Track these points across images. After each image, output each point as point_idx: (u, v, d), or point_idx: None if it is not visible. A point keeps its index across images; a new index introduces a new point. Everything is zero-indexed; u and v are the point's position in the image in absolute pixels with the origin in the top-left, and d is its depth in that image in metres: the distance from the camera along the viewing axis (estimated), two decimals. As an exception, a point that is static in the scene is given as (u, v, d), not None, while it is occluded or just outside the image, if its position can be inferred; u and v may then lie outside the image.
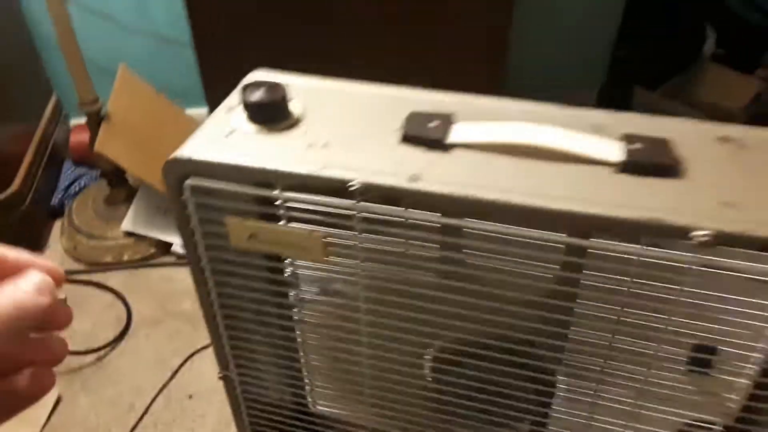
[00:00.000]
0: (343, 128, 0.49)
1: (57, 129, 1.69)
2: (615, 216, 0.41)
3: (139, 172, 1.39)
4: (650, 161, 0.44)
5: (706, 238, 0.40)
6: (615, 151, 0.45)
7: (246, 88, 0.50)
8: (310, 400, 0.66)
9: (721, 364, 0.50)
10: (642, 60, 1.61)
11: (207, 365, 1.19)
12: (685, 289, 0.43)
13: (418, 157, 0.46)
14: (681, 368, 0.50)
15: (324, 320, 0.58)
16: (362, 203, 0.45)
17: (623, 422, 0.53)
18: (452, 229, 0.46)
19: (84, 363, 1.21)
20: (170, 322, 1.29)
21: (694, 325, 0.47)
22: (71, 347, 0.81)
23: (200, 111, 1.67)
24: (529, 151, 0.46)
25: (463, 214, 0.46)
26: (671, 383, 0.51)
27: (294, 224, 0.48)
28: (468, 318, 0.51)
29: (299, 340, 0.60)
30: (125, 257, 1.43)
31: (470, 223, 0.44)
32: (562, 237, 0.43)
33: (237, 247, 0.50)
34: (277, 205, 0.47)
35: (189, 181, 0.47)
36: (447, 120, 0.48)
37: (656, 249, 0.42)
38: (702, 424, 0.53)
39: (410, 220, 0.45)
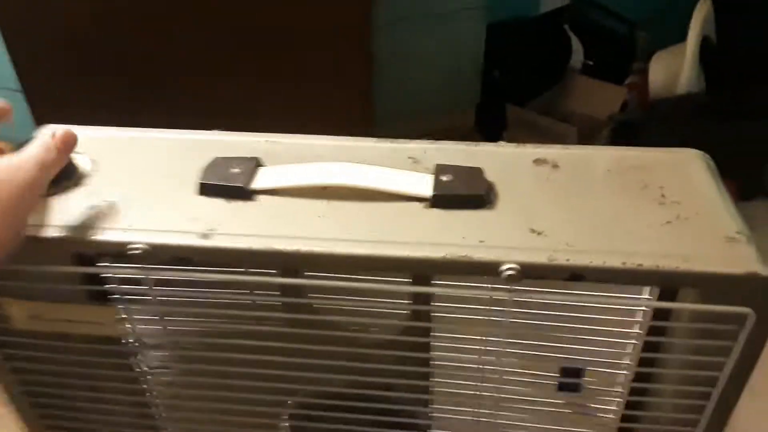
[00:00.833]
0: (136, 182, 0.45)
1: None
2: (418, 257, 0.38)
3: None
4: (459, 193, 0.42)
5: (512, 272, 0.38)
6: (426, 185, 0.43)
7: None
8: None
9: (589, 384, 0.48)
10: (512, 78, 1.65)
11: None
12: (536, 314, 0.41)
13: (217, 209, 0.42)
14: (552, 390, 0.49)
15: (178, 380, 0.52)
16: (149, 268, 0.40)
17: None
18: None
19: None
20: None
21: (558, 347, 0.45)
22: None
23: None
24: (340, 192, 0.43)
25: (268, 266, 0.43)
26: (546, 406, 0.49)
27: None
28: (319, 368, 0.47)
29: (156, 406, 0.54)
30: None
31: (268, 280, 0.40)
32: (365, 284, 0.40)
33: (24, 330, 0.44)
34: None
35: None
36: (252, 164, 0.45)
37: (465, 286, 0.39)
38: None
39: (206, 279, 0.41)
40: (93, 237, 0.40)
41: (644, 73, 1.58)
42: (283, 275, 0.45)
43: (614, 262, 0.38)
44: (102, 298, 0.45)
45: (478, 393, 0.49)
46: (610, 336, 0.46)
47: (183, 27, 1.20)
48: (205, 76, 1.25)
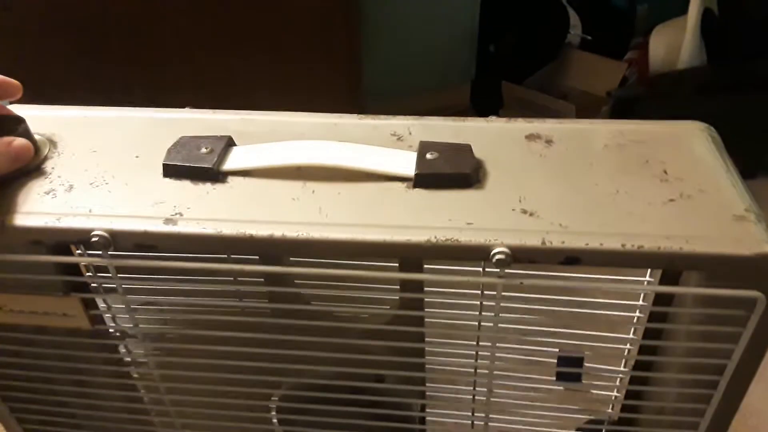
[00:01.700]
0: (99, 164, 0.41)
1: None
2: (400, 241, 0.35)
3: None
4: (445, 172, 0.39)
5: (502, 256, 0.35)
6: (409, 164, 0.40)
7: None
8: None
9: (589, 372, 0.46)
10: (508, 53, 1.60)
11: None
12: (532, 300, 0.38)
13: (183, 192, 0.39)
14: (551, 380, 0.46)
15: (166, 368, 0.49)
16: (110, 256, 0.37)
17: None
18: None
19: None
20: None
21: (553, 335, 0.43)
22: None
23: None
24: (316, 172, 0.40)
25: (242, 252, 0.40)
26: (543, 396, 0.47)
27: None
28: (309, 358, 0.44)
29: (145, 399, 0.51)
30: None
31: (242, 267, 0.37)
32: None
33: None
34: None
35: None
36: (223, 144, 0.41)
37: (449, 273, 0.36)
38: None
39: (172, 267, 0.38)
40: (49, 224, 0.37)
41: (644, 47, 1.54)
42: (263, 262, 0.42)
43: (613, 244, 0.35)
44: (68, 288, 0.42)
45: (472, 387, 0.47)
46: (609, 323, 0.43)
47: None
48: (181, 50, 1.20)
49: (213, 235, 0.36)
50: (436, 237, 0.36)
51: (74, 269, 0.42)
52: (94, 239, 0.36)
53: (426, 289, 0.43)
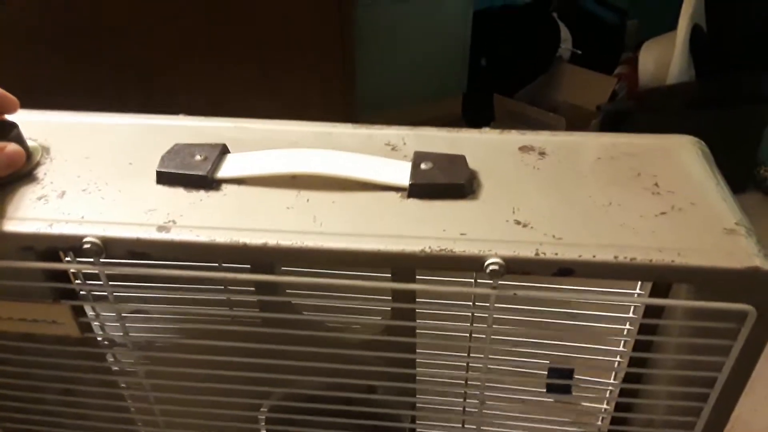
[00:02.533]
0: (91, 171, 0.41)
1: None
2: (393, 250, 0.35)
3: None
4: (439, 182, 0.39)
5: (496, 267, 0.35)
6: (403, 174, 0.40)
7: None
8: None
9: (578, 384, 0.46)
10: (499, 66, 1.62)
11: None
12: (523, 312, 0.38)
13: (177, 200, 0.39)
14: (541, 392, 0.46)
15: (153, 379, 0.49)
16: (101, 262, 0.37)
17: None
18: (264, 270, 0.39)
19: None
20: None
21: (544, 347, 0.43)
22: None
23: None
24: (311, 181, 0.40)
25: (235, 261, 0.40)
26: (534, 408, 0.47)
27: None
28: (300, 368, 0.44)
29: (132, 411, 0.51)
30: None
31: (233, 276, 0.37)
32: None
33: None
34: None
35: None
36: (217, 152, 0.41)
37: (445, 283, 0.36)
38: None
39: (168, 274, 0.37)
40: (41, 230, 0.37)
41: (634, 62, 1.55)
42: (254, 271, 0.42)
43: (605, 256, 0.35)
44: (57, 295, 0.42)
45: (462, 398, 0.47)
46: (599, 335, 0.44)
47: (153, 3, 1.15)
48: (174, 58, 1.20)
49: (206, 243, 0.36)
50: (430, 247, 0.36)
51: (64, 276, 0.42)
52: (86, 246, 0.36)
53: (418, 300, 0.43)
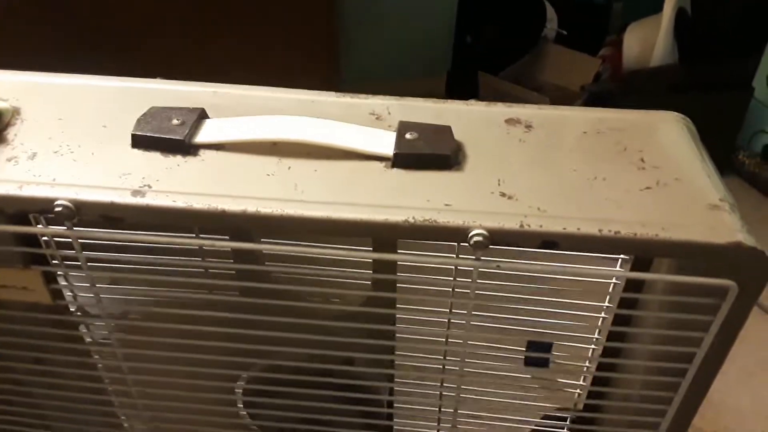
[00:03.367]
0: (63, 133, 0.40)
1: None
2: (377, 220, 0.35)
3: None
4: (424, 152, 0.38)
5: (480, 238, 0.34)
6: (388, 143, 0.39)
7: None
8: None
9: (556, 358, 0.46)
10: (484, 44, 1.60)
11: None
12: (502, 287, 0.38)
13: (153, 164, 0.38)
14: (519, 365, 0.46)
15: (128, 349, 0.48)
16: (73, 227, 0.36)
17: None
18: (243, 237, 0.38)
19: None
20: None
21: (524, 319, 0.43)
22: None
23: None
24: (292, 148, 0.39)
25: (213, 228, 0.39)
26: (511, 381, 0.47)
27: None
28: (277, 340, 0.43)
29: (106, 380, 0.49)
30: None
31: (200, 240, 0.36)
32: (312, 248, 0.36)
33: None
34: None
35: None
36: (195, 116, 0.40)
37: (428, 255, 0.36)
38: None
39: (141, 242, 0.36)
40: (10, 192, 0.35)
41: (618, 44, 1.55)
42: (233, 240, 0.41)
43: (590, 229, 0.35)
44: (28, 260, 0.40)
45: (442, 367, 0.46)
46: (579, 308, 0.44)
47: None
48: (154, 31, 1.17)
49: (183, 208, 0.35)
50: (413, 217, 0.35)
51: (35, 241, 0.41)
52: (57, 209, 0.34)
53: (399, 273, 0.43)
